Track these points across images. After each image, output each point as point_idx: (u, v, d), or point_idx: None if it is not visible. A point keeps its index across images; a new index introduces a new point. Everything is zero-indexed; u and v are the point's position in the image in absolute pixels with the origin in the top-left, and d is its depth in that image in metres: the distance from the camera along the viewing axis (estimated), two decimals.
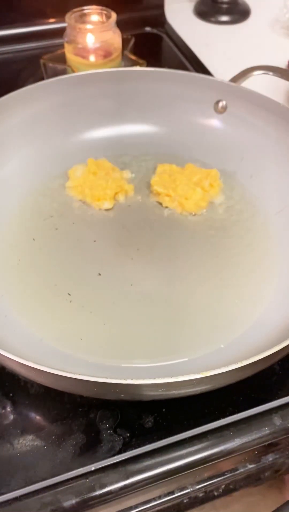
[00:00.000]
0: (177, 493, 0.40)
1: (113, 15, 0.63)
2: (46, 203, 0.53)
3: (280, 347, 0.34)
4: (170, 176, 0.54)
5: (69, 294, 0.45)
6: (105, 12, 0.64)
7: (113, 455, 0.37)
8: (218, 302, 0.45)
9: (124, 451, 0.37)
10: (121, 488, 0.36)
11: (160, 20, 0.84)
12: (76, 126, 0.59)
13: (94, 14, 0.64)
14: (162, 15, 0.84)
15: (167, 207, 0.53)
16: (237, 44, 0.83)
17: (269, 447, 0.40)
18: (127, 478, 0.36)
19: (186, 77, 0.58)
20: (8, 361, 0.33)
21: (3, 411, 0.39)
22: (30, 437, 0.38)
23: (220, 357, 0.41)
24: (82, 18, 0.64)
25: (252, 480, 0.45)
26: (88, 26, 0.63)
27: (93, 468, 0.36)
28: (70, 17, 0.63)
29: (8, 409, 0.39)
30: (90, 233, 0.51)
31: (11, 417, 0.39)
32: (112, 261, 0.48)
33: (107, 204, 0.53)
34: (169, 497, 0.40)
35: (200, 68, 0.74)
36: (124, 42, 0.67)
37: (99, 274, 0.47)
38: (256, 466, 0.42)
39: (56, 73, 0.65)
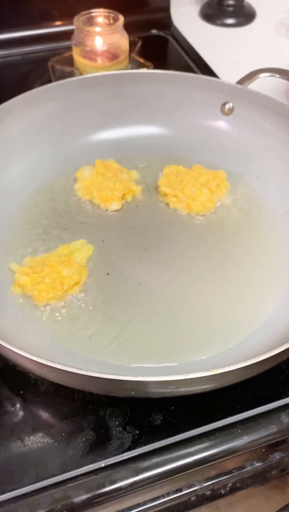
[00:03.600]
0: (184, 490, 0.41)
1: (121, 18, 0.64)
2: (54, 204, 0.54)
3: (288, 345, 0.34)
4: (177, 177, 0.55)
5: (78, 294, 0.46)
6: (112, 15, 0.65)
7: (123, 452, 0.37)
8: (225, 303, 0.46)
9: (134, 448, 0.37)
10: (131, 485, 0.36)
11: (166, 23, 0.85)
12: (84, 128, 0.59)
13: (102, 17, 0.65)
14: (168, 18, 0.85)
15: (174, 208, 0.54)
16: (242, 46, 0.84)
17: (276, 446, 0.41)
18: (136, 474, 0.36)
19: (192, 79, 0.58)
20: (21, 358, 0.33)
21: (14, 408, 0.40)
22: (40, 434, 0.38)
23: (229, 357, 0.41)
24: (90, 21, 0.65)
25: (259, 478, 0.45)
26: (96, 29, 0.64)
27: (103, 465, 0.37)
28: (78, 20, 0.63)
29: (19, 406, 0.40)
30: (99, 233, 0.51)
31: (22, 414, 0.39)
32: (120, 261, 0.49)
33: (115, 205, 0.53)
34: (176, 494, 0.40)
35: (206, 70, 0.75)
36: (132, 44, 0.68)
37: (108, 274, 0.48)
38: (263, 464, 0.42)
39: (64, 76, 0.66)
